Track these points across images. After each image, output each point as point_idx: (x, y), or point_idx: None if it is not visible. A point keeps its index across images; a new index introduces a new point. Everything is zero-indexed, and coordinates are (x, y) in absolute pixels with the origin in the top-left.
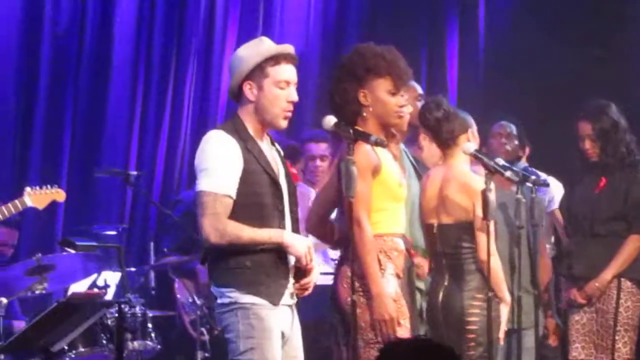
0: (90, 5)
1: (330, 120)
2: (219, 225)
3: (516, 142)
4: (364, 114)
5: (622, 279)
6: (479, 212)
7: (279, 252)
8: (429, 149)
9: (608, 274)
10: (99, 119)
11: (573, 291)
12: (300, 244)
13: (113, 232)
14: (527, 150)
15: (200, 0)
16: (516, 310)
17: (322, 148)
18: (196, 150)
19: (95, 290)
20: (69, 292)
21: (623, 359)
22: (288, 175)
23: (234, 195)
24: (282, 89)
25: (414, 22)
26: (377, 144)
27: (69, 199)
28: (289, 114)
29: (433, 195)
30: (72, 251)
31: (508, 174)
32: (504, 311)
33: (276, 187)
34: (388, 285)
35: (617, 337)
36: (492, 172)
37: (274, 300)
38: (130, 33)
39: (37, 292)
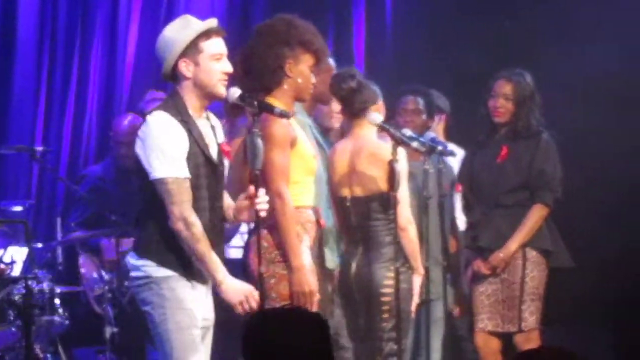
0: None
1: (234, 92)
2: (187, 218)
3: (424, 117)
4: (284, 85)
5: (527, 249)
6: (402, 179)
7: (213, 237)
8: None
9: (513, 244)
10: (4, 94)
11: (478, 262)
12: (235, 293)
13: (20, 208)
14: (439, 119)
15: None
16: (425, 281)
17: None
18: (102, 124)
19: (2, 266)
20: None
21: (530, 328)
22: (220, 153)
23: (188, 177)
24: (217, 61)
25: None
26: (281, 115)
27: None
28: (226, 82)
29: (343, 167)
30: None
31: (415, 144)
32: (417, 282)
33: (212, 167)
34: (305, 257)
35: (523, 307)
36: (398, 143)
37: (188, 276)
38: (35, 6)
39: None
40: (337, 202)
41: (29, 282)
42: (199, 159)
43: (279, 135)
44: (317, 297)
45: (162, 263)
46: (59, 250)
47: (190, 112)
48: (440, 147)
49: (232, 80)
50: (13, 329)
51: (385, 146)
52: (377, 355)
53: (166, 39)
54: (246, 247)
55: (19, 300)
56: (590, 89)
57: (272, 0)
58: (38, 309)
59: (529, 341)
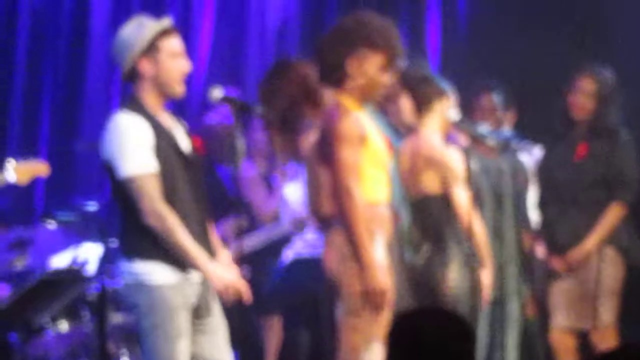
0: None
1: (217, 91)
2: (160, 211)
3: (499, 113)
4: (349, 83)
5: (604, 246)
6: (454, 181)
7: (191, 224)
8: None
9: (590, 242)
10: (77, 92)
11: (554, 259)
12: (218, 280)
13: (94, 205)
14: (512, 116)
15: None
16: (500, 279)
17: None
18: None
19: (77, 264)
20: (50, 267)
21: (606, 325)
22: (193, 148)
23: (157, 170)
24: (175, 59)
25: None
26: (260, 116)
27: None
28: (184, 81)
29: (406, 169)
30: (53, 225)
31: (490, 141)
32: (486, 276)
33: (183, 159)
34: (378, 255)
35: (598, 304)
36: (474, 140)
37: (180, 267)
38: (109, 5)
39: (18, 267)
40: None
41: (104, 280)
42: (169, 151)
43: (347, 130)
44: (389, 294)
45: (151, 258)
46: None
47: (150, 110)
48: (515, 144)
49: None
50: (87, 327)
51: (442, 148)
52: None
53: (124, 40)
54: (325, 244)
55: (93, 298)
56: None
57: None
58: (112, 307)
59: (605, 339)
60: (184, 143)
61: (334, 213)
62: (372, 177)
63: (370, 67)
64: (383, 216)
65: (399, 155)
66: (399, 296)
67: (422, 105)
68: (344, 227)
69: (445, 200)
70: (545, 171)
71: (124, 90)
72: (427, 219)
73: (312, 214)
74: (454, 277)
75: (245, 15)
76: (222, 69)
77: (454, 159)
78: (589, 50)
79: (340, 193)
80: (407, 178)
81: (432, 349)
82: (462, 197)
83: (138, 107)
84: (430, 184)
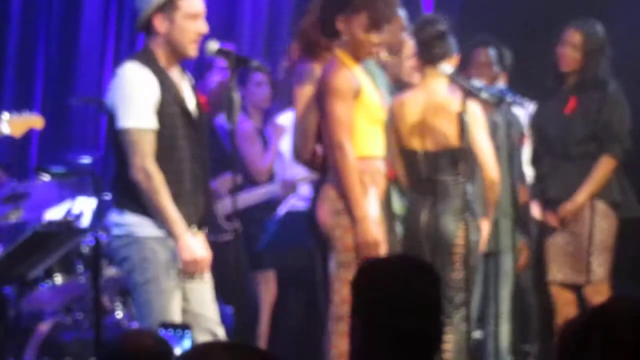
0: None
1: (213, 45)
2: (148, 169)
3: (494, 68)
4: (341, 41)
5: (595, 201)
6: (477, 129)
7: (185, 182)
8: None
9: (582, 196)
10: (71, 46)
11: (546, 214)
12: (189, 253)
13: (88, 160)
14: (506, 73)
15: None
16: (494, 233)
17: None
18: None
19: (70, 217)
20: (44, 220)
21: (598, 280)
22: (199, 105)
23: (155, 127)
24: (193, 20)
25: None
26: (257, 69)
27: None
28: (198, 43)
29: (414, 119)
30: (47, 178)
31: (484, 95)
32: (485, 230)
33: (188, 117)
34: (371, 208)
35: (591, 259)
36: (468, 95)
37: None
38: None
39: (12, 220)
40: (406, 154)
41: (98, 234)
42: (173, 108)
43: (340, 85)
44: (382, 247)
45: (142, 211)
46: None
47: (162, 64)
48: (509, 98)
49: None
50: (81, 281)
51: (454, 99)
52: (447, 305)
53: None
54: (313, 199)
55: (87, 251)
56: None
57: None
58: (106, 261)
59: (598, 293)
60: (190, 100)
61: (326, 165)
62: (366, 132)
63: (355, 28)
64: (377, 170)
65: (399, 107)
66: (392, 249)
67: (434, 58)
68: (336, 180)
69: (451, 155)
70: (537, 126)
71: (118, 44)
72: (434, 171)
73: (296, 158)
74: (461, 232)
75: None
76: (216, 22)
77: (476, 109)
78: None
79: (331, 147)
80: (414, 130)
81: (394, 295)
82: (486, 146)
83: (148, 59)
84: (444, 135)
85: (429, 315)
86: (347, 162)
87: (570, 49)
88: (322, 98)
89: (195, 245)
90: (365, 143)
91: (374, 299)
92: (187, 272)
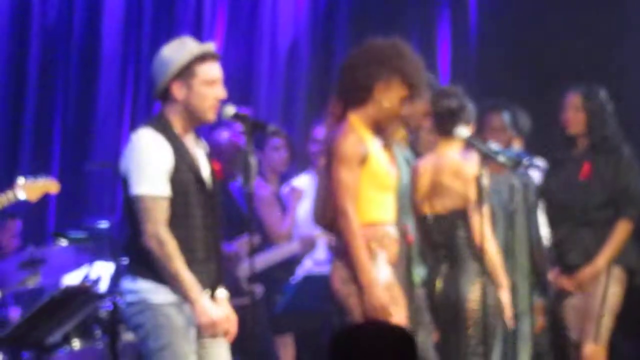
0: None
1: (229, 109)
2: (161, 236)
3: (509, 132)
4: (369, 106)
5: (612, 265)
6: (473, 198)
7: (197, 250)
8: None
9: (601, 260)
10: (89, 111)
11: (564, 279)
12: (205, 316)
13: (105, 224)
14: (521, 137)
15: None
16: (512, 295)
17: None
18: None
19: (88, 282)
20: (62, 285)
21: (602, 343)
22: (212, 172)
23: (168, 194)
24: (211, 86)
25: (404, 12)
26: (274, 133)
27: (60, 191)
28: (217, 108)
29: (425, 185)
30: (65, 243)
31: (501, 158)
32: (505, 295)
33: (201, 184)
34: (380, 273)
35: (602, 321)
36: (485, 157)
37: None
38: (119, 26)
39: (30, 285)
40: (419, 220)
41: (115, 299)
42: (187, 175)
43: (346, 151)
44: (391, 313)
45: (155, 277)
46: None
47: (177, 131)
48: (526, 161)
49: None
50: (99, 346)
51: (467, 163)
52: None
53: (162, 59)
54: (331, 266)
55: (105, 316)
56: None
57: (355, 13)
58: (124, 326)
59: (597, 355)
60: (204, 167)
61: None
62: (373, 198)
63: (394, 96)
64: (385, 235)
65: (414, 176)
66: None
67: (449, 130)
68: (342, 246)
69: (465, 218)
70: (549, 192)
71: (134, 110)
72: (448, 234)
73: (317, 223)
74: (474, 296)
75: (256, 34)
76: (233, 87)
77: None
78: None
79: (336, 213)
80: (425, 195)
81: None
82: (486, 212)
83: (163, 126)
84: (454, 198)
85: None
86: (351, 228)
87: (573, 111)
88: (328, 162)
89: (212, 307)
90: (372, 209)
91: None
92: (207, 334)
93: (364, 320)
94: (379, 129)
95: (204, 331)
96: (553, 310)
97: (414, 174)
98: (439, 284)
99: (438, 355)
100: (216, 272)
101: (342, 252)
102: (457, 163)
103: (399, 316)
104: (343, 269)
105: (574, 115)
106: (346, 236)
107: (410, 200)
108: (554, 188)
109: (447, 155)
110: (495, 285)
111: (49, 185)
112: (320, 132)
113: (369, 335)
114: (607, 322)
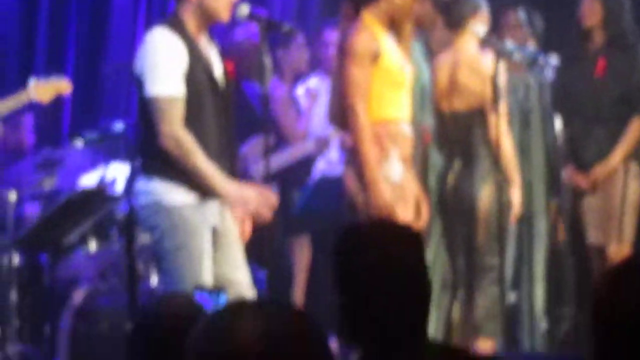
0: None
1: (244, 8)
2: (178, 136)
3: (524, 30)
4: (382, 2)
5: (629, 162)
6: (490, 96)
7: (210, 151)
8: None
9: (615, 158)
10: (103, 11)
11: (579, 177)
12: (239, 196)
13: (121, 125)
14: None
15: None
16: (527, 195)
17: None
18: None
19: (104, 184)
20: (78, 187)
21: (627, 240)
22: (225, 72)
23: (183, 95)
24: None
25: None
26: (289, 33)
27: (75, 92)
28: (232, 7)
29: (443, 82)
30: (80, 144)
31: (517, 56)
32: (516, 194)
33: (214, 85)
34: (393, 170)
35: (623, 219)
36: (501, 55)
37: (199, 193)
38: None
39: (47, 187)
40: (437, 117)
41: (131, 200)
42: (201, 76)
43: (357, 48)
44: (395, 211)
45: (169, 177)
46: None
47: (191, 30)
48: (542, 60)
49: None
50: (116, 247)
51: (485, 59)
52: (477, 269)
53: None
54: (345, 163)
55: (121, 218)
56: None
57: None
58: (141, 227)
59: (623, 254)
60: (217, 68)
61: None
62: (385, 95)
63: None
64: (398, 133)
65: (434, 71)
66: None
67: (456, 21)
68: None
69: (482, 115)
70: (564, 88)
71: (149, 9)
72: (463, 132)
73: (331, 121)
74: (486, 194)
75: None
76: None
77: (501, 70)
78: None
79: (345, 110)
80: (442, 91)
81: (373, 259)
82: (504, 109)
83: (177, 26)
84: (474, 96)
85: (414, 279)
86: (359, 125)
87: (589, 1)
88: (340, 59)
89: (238, 187)
90: (384, 106)
91: (352, 264)
92: (249, 214)
93: (369, 218)
94: (394, 25)
95: (241, 211)
96: (570, 211)
97: (432, 71)
98: (451, 180)
99: (442, 243)
100: (229, 173)
101: (354, 150)
102: (473, 58)
103: (405, 214)
104: (354, 167)
105: (590, 5)
106: (353, 133)
107: (431, 98)
108: (568, 84)
109: (464, 50)
110: (508, 183)
111: (61, 85)
112: (331, 35)
113: (372, 233)
114: (629, 220)
